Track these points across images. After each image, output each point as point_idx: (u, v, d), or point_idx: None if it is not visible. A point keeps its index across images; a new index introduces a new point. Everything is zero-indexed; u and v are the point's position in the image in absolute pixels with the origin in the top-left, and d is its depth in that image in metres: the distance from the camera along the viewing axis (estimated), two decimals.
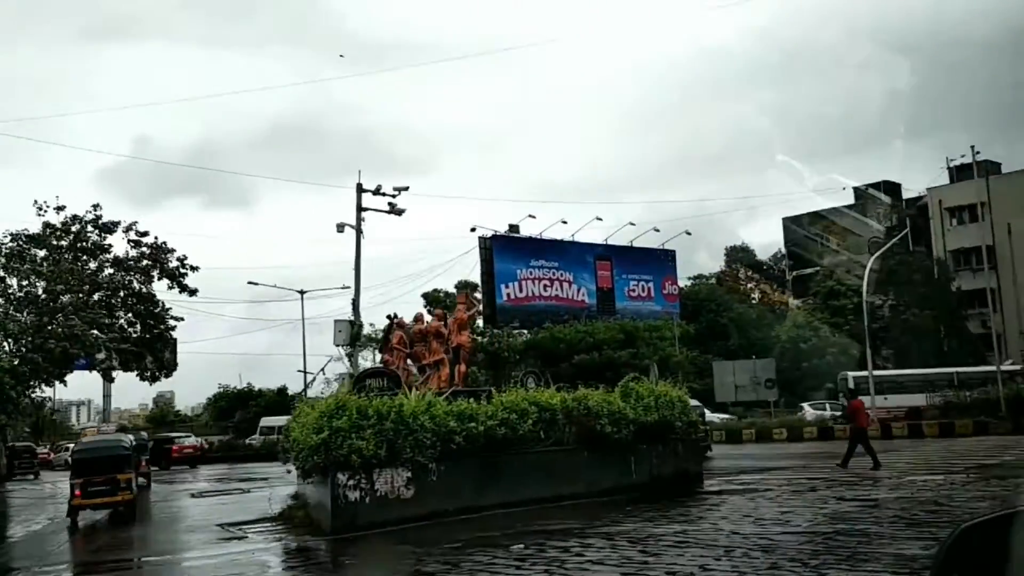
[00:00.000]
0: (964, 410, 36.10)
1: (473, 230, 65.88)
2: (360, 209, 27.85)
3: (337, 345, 27.71)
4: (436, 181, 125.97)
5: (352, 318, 25.65)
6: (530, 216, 66.81)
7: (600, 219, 67.77)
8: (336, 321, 25.25)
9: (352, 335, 25.54)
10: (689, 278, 77.89)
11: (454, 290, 64.52)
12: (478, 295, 20.48)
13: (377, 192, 28.17)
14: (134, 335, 42.60)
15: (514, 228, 67.12)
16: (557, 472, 17.02)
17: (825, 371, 51.96)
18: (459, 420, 15.52)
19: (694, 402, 46.04)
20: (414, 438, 14.87)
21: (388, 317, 22.19)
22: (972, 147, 61.77)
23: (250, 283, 60.98)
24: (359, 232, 27.58)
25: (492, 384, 20.77)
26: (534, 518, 14.48)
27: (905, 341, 54.57)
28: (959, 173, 62.59)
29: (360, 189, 28.01)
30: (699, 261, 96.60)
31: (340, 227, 28.18)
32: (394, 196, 28.28)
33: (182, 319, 42.97)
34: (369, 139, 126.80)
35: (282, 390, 60.85)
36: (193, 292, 42.85)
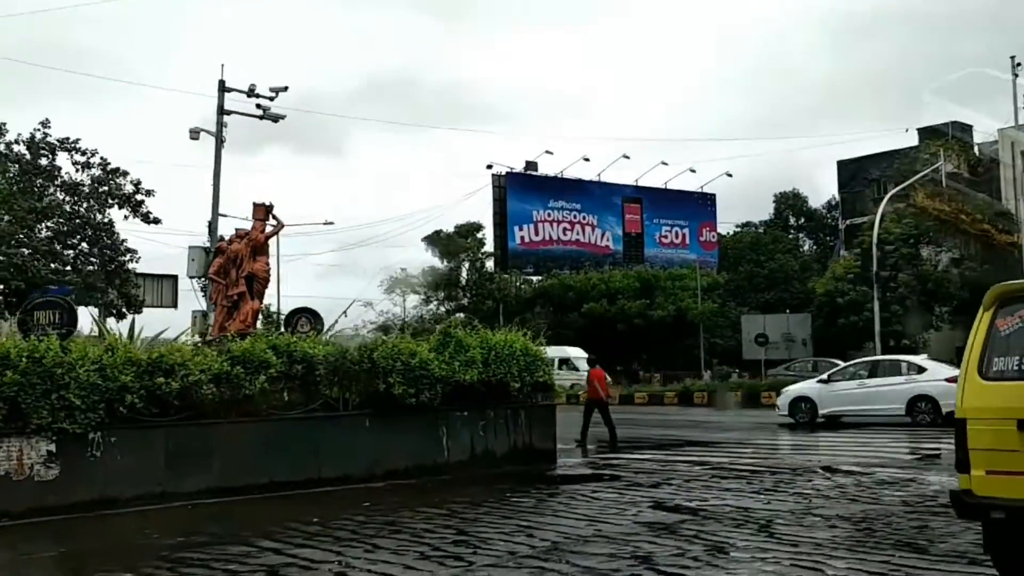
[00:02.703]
0: None
1: (490, 167, 61.33)
2: (222, 112, 23.42)
3: (191, 276, 23.58)
4: (515, 133, 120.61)
5: (208, 244, 21.39)
6: (547, 152, 60.75)
7: (627, 157, 61.33)
8: (190, 248, 21.14)
9: (208, 264, 21.32)
10: (737, 226, 71.87)
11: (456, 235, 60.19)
12: (278, 213, 15.28)
13: (251, 93, 23.68)
14: (91, 268, 39.41)
15: (531, 165, 62.04)
16: (321, 447, 12.61)
17: (864, 327, 46.09)
18: (144, 374, 11.12)
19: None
20: (58, 396, 10.52)
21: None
22: None
23: (223, 214, 56.52)
24: (219, 140, 23.22)
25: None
26: (253, 511, 10.63)
27: (963, 298, 48.15)
28: None
29: (223, 87, 23.59)
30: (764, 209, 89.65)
31: (194, 133, 23.83)
32: (271, 98, 23.80)
33: (135, 251, 39.17)
34: (457, 90, 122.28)
35: None
36: (155, 221, 38.93)
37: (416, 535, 8.51)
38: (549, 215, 60.79)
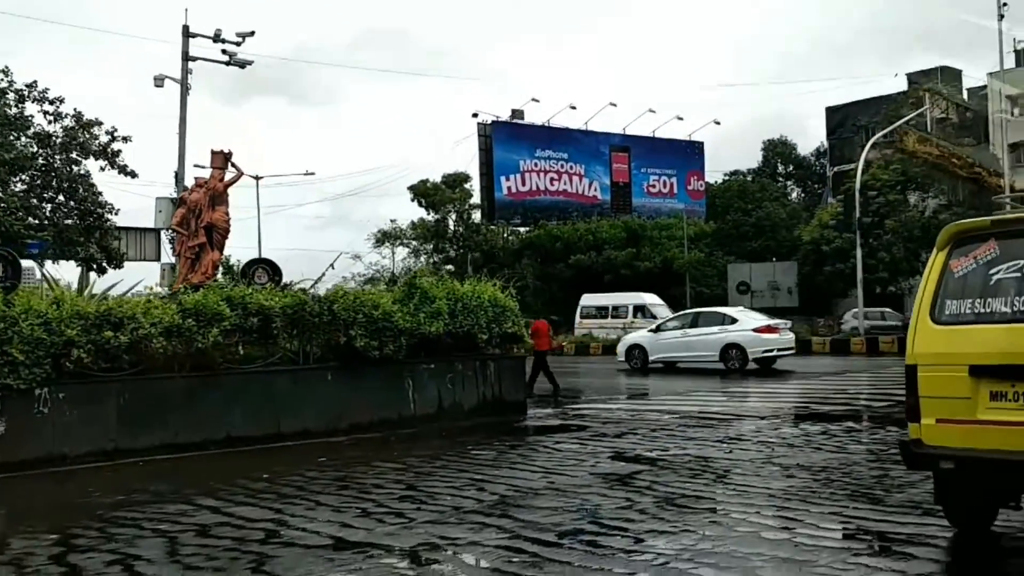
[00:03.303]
0: None
1: (475, 115, 60.39)
2: (187, 59, 22.71)
3: (159, 228, 23.07)
4: (503, 82, 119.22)
5: (175, 195, 20.85)
6: (533, 100, 59.91)
7: (614, 105, 60.47)
8: (157, 199, 20.62)
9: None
10: (725, 174, 71.28)
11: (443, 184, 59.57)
12: (237, 161, 14.82)
13: (217, 39, 22.93)
14: (68, 222, 38.75)
15: (517, 114, 61.11)
16: (280, 401, 12.32)
17: (850, 275, 45.84)
18: (91, 328, 10.78)
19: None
20: (0, 351, 10.20)
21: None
22: None
23: (196, 166, 55.49)
24: (184, 87, 22.55)
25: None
26: (205, 467, 10.39)
27: None
28: None
29: (187, 33, 22.81)
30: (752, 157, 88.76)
31: (159, 80, 23.11)
32: (237, 44, 23.09)
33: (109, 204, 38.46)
34: (447, 39, 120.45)
35: None
36: (132, 174, 38.20)
37: (364, 491, 8.27)
38: (536, 165, 60.06)
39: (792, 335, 24.66)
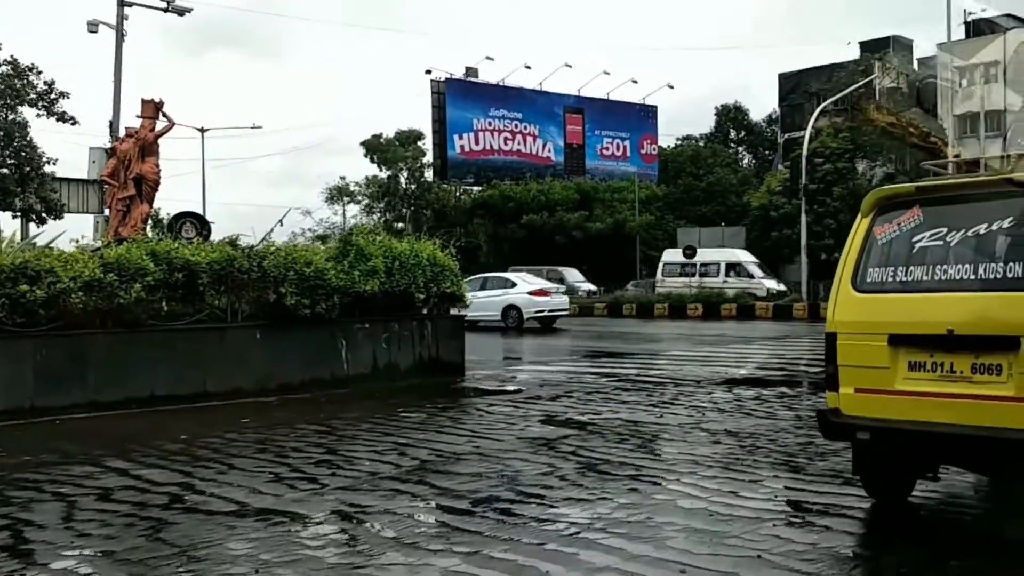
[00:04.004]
0: None
1: (428, 72, 59.54)
2: (122, 3, 21.86)
3: (94, 180, 22.33)
4: (456, 38, 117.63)
5: (109, 144, 20.14)
6: (488, 58, 59.21)
7: (569, 66, 60.01)
8: (91, 149, 19.86)
9: None
10: (678, 139, 71.39)
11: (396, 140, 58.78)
12: (169, 111, 14.30)
13: None
14: (4, 171, 37.48)
15: (471, 72, 60.36)
16: (207, 360, 11.99)
17: (796, 240, 46.25)
18: (6, 282, 10.37)
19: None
20: None
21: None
22: None
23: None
24: (119, 33, 21.74)
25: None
26: (122, 427, 10.00)
27: None
28: (976, 30, 54.63)
29: None
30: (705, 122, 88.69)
31: (92, 25, 22.25)
32: None
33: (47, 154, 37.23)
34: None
35: None
36: (71, 121, 36.88)
37: (281, 454, 8.02)
38: (490, 124, 59.55)
39: (566, 298, 28.26)
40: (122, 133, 16.25)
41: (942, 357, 5.11)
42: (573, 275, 43.11)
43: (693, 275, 38.67)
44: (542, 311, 25.87)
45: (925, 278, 5.29)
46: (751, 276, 38.41)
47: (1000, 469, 5.54)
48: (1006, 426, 4.83)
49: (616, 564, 4.77)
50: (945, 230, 5.27)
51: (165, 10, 22.37)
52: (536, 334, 25.08)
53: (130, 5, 21.93)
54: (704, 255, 39.54)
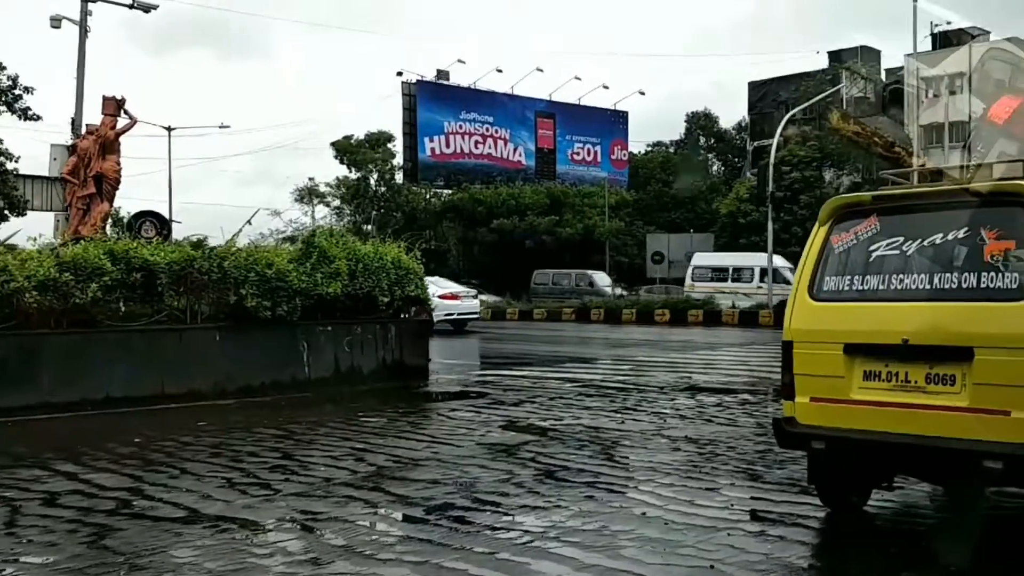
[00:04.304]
0: None
1: (399, 74, 59.25)
2: None
3: (56, 177, 21.90)
4: (429, 41, 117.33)
5: (71, 141, 19.80)
6: (459, 61, 59.03)
7: (541, 70, 60.02)
8: (52, 146, 19.48)
9: None
10: (648, 145, 71.60)
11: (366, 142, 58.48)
12: (130, 108, 14.08)
13: None
14: None
15: (443, 74, 60.13)
16: (165, 362, 11.80)
17: (764, 247, 46.59)
18: None
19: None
20: None
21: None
22: None
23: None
24: (83, 29, 21.41)
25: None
26: (77, 428, 9.93)
27: None
28: (944, 41, 55.44)
29: None
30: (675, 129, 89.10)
31: (55, 20, 21.93)
32: None
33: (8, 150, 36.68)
34: None
35: None
36: (34, 118, 36.23)
37: (236, 459, 7.89)
38: (461, 127, 59.35)
39: (476, 302, 29.46)
40: (85, 130, 15.96)
41: (897, 367, 5.10)
42: (602, 279, 43.38)
43: (725, 280, 37.51)
44: (451, 314, 27.07)
45: (881, 287, 5.29)
46: (787, 281, 37.78)
47: (953, 480, 5.54)
48: (959, 436, 4.83)
49: (567, 574, 4.71)
50: (902, 239, 5.26)
51: (130, 6, 22.07)
52: (492, 339, 25.05)
53: (94, 1, 21.62)
54: (737, 259, 39.40)
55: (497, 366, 17.25)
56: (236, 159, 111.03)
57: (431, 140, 57.96)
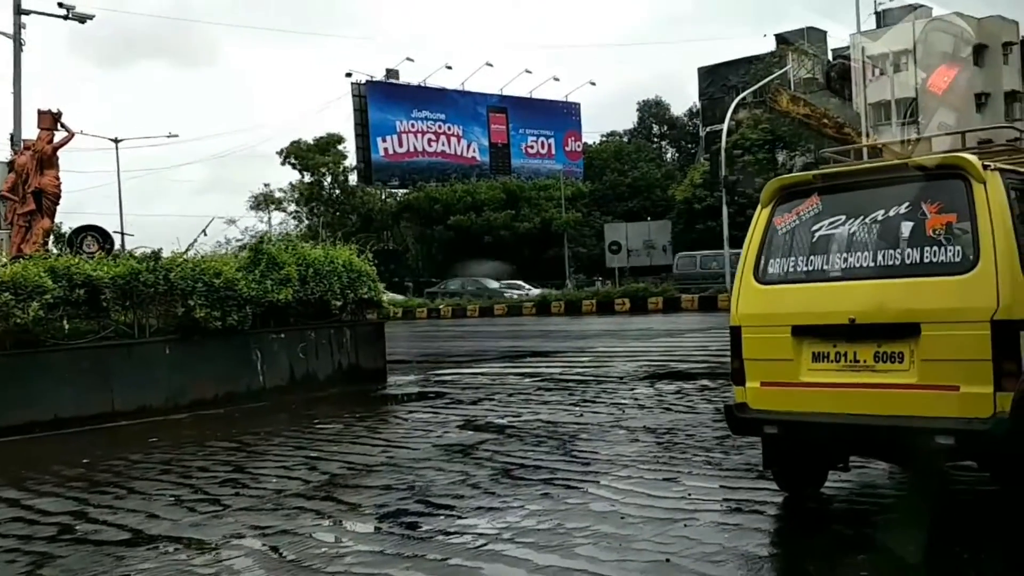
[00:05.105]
0: None
1: (349, 75, 58.82)
2: (19, 12, 21.01)
3: None
4: (376, 40, 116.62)
5: (10, 158, 19.31)
6: (408, 59, 58.80)
7: (491, 65, 59.92)
8: None
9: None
10: (602, 135, 71.81)
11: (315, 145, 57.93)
12: (67, 121, 13.71)
13: None
14: None
15: (392, 73, 59.84)
16: (114, 378, 11.52)
17: (720, 233, 46.90)
18: None
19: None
20: None
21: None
22: None
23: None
24: (17, 42, 20.91)
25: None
26: (21, 452, 9.59)
27: None
28: (887, 18, 56.11)
29: None
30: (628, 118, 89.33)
31: None
32: None
33: None
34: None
35: None
36: None
37: (186, 475, 7.68)
38: (413, 126, 59.10)
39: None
40: (23, 146, 15.57)
41: (845, 347, 5.05)
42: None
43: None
44: None
45: (826, 267, 5.23)
46: None
47: (907, 457, 5.51)
48: (910, 414, 4.79)
49: None
50: (844, 217, 5.21)
51: (65, 18, 21.55)
52: (454, 337, 24.90)
53: (26, 13, 21.06)
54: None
55: (457, 364, 17.12)
56: (188, 169, 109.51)
57: (384, 140, 57.65)
